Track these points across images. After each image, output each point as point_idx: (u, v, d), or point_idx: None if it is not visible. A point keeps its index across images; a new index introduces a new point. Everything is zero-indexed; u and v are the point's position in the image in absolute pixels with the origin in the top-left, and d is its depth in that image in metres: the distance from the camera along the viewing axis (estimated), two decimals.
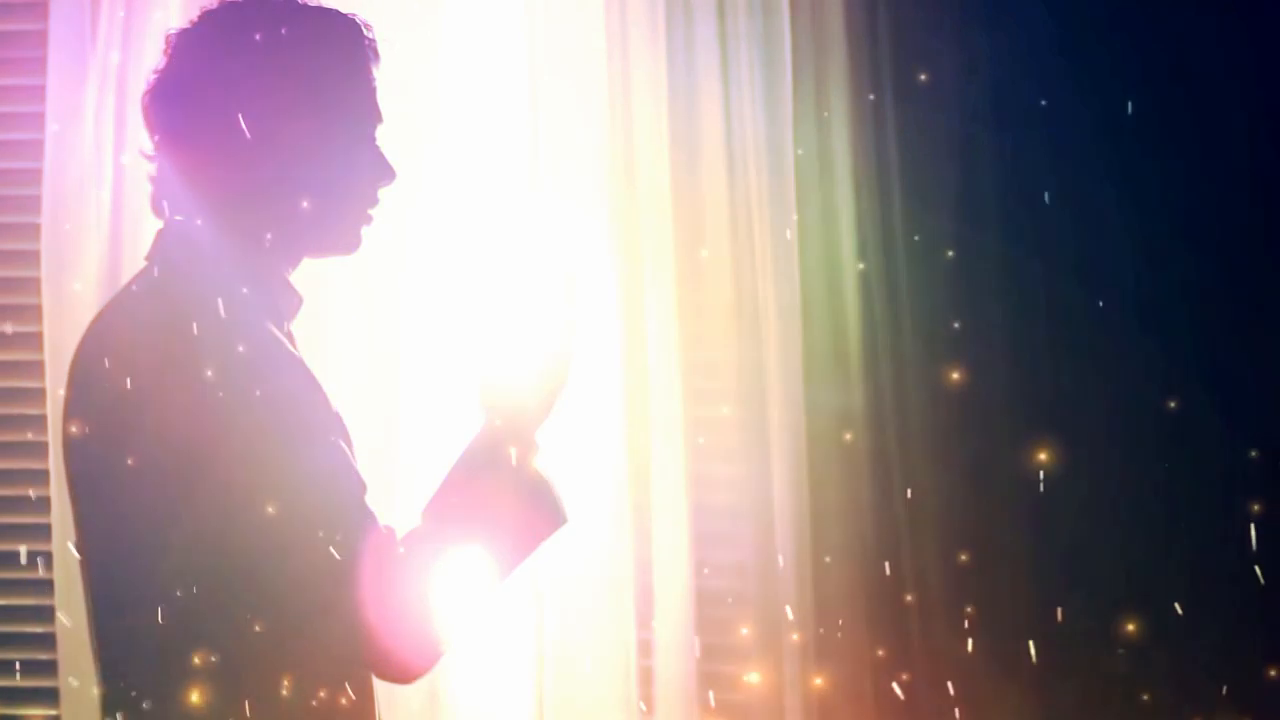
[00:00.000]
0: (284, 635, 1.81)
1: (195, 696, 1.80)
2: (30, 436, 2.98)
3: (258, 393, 1.79)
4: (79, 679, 2.85)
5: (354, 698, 1.91)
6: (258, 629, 1.80)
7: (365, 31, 2.01)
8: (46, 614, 2.93)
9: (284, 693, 1.82)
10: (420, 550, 1.86)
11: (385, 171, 2.02)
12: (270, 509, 1.78)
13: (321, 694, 1.85)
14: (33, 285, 2.94)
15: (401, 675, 1.93)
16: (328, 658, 1.85)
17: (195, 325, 1.80)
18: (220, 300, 1.85)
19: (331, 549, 1.81)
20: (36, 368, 2.96)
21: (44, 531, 2.95)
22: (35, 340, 2.95)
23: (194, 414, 1.77)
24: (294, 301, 2.02)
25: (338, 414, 1.92)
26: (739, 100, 2.82)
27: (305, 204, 1.95)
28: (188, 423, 1.77)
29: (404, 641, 1.86)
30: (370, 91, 2.02)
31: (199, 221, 1.93)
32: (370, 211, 2.02)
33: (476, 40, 2.83)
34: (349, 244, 2.03)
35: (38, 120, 2.90)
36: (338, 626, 1.82)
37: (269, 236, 1.95)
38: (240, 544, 1.78)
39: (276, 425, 1.80)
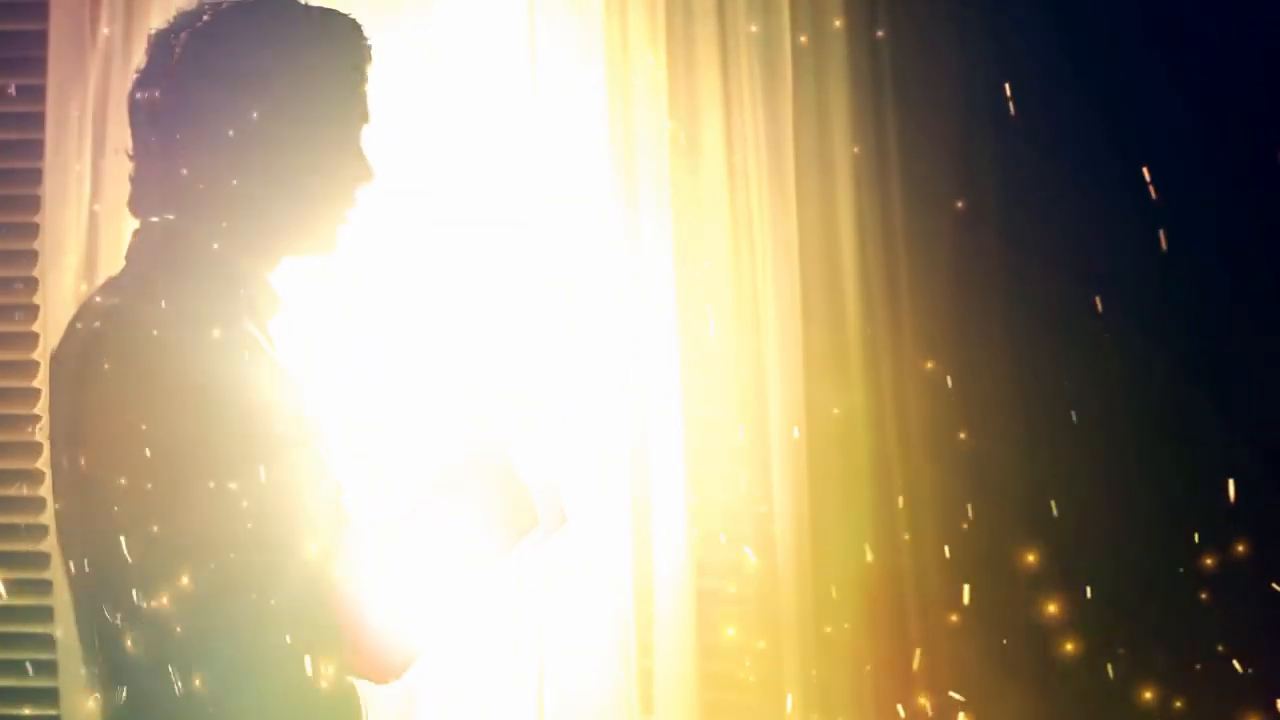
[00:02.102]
0: (266, 636, 1.81)
1: (183, 698, 1.79)
2: (30, 436, 2.98)
3: (240, 396, 1.79)
4: (78, 679, 2.84)
5: (339, 698, 1.91)
6: (240, 630, 1.80)
7: (361, 33, 2.01)
8: (46, 614, 2.93)
9: (268, 694, 1.82)
10: (391, 552, 1.86)
11: (366, 173, 2.02)
12: (248, 512, 1.78)
13: (305, 695, 1.85)
14: (34, 285, 2.94)
15: (378, 676, 1.93)
16: (310, 659, 1.85)
17: (186, 328, 1.80)
18: (209, 303, 1.85)
19: (308, 551, 1.81)
20: (36, 367, 2.96)
21: (44, 532, 2.95)
22: (36, 340, 2.95)
23: (184, 417, 1.77)
24: (274, 302, 2.02)
25: (315, 416, 1.92)
26: (738, 100, 2.82)
27: (294, 206, 1.95)
28: (177, 426, 1.77)
29: (377, 643, 1.86)
30: (363, 94, 2.02)
31: (187, 222, 1.93)
32: (348, 213, 2.03)
33: (476, 39, 2.83)
34: (326, 245, 2.03)
35: (38, 120, 2.90)
36: (318, 628, 1.83)
37: (254, 237, 1.95)
38: (221, 546, 1.78)
39: (256, 428, 1.80)
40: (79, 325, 1.90)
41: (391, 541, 1.88)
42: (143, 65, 1.97)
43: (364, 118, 2.02)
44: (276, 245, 2.00)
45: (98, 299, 1.93)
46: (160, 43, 1.96)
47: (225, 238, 1.93)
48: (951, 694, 2.76)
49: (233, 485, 1.78)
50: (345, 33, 2.00)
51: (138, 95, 1.96)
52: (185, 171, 1.92)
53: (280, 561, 1.80)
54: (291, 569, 1.81)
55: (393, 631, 1.87)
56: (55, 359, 1.92)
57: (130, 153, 1.98)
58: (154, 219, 1.95)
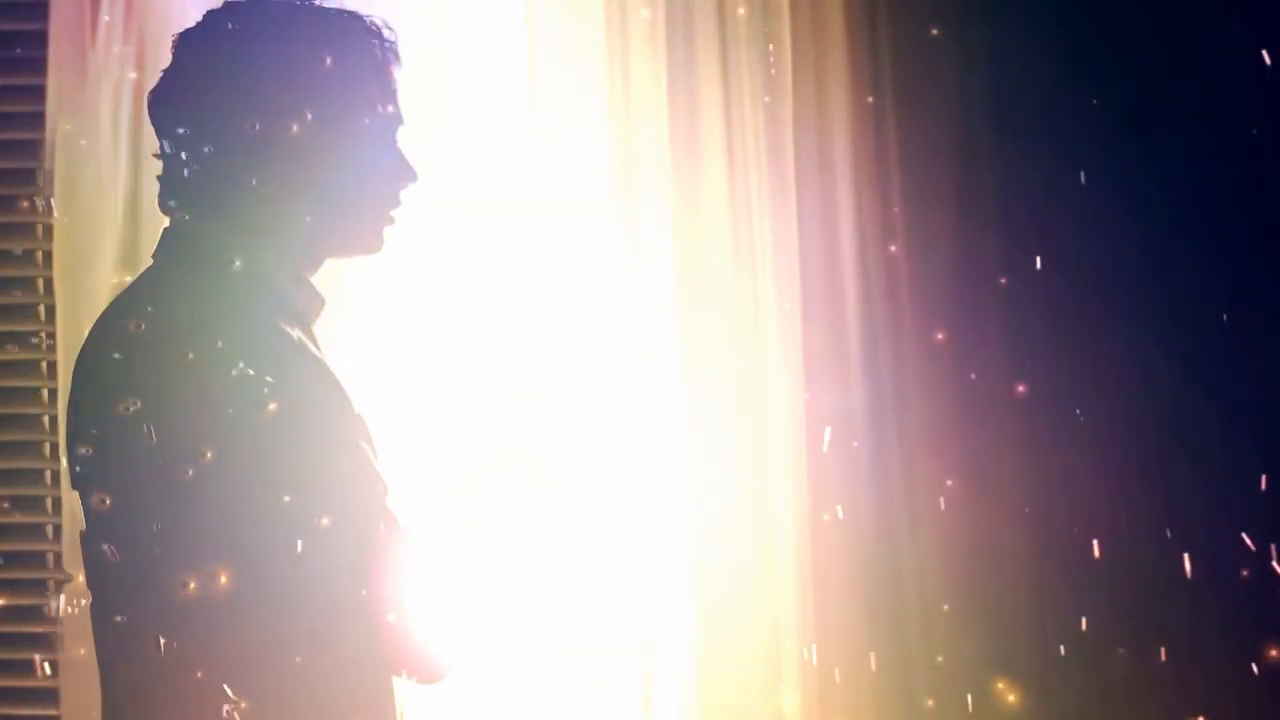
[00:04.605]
0: (303, 638, 1.81)
1: (212, 700, 1.80)
2: (30, 436, 2.98)
3: (272, 394, 1.79)
4: (78, 679, 2.85)
5: (375, 699, 1.91)
6: (278, 633, 1.80)
7: (386, 33, 2.01)
8: (47, 614, 2.94)
9: (304, 695, 1.82)
10: (434, 552, 1.87)
11: (406, 173, 2.02)
12: (290, 511, 1.78)
13: (343, 696, 1.85)
14: (33, 284, 2.96)
15: (427, 676, 1.91)
16: (347, 659, 1.85)
17: (208, 327, 1.80)
18: (235, 302, 1.85)
19: (352, 551, 1.81)
20: (38, 367, 2.97)
21: (44, 531, 2.96)
22: (36, 339, 2.96)
23: (202, 415, 1.77)
24: (316, 303, 2.01)
25: (360, 416, 1.91)
26: (739, 100, 2.82)
27: (324, 206, 1.95)
28: (195, 423, 1.77)
29: (424, 643, 1.86)
30: (391, 94, 2.01)
31: (206, 222, 1.93)
32: (392, 213, 2.03)
33: (477, 40, 2.83)
34: (370, 245, 2.03)
35: (38, 120, 2.90)
36: (358, 628, 1.82)
37: (288, 237, 1.95)
38: (256, 547, 1.78)
39: (291, 428, 1.79)
40: (108, 323, 1.90)
41: (433, 541, 1.88)
42: (167, 65, 1.97)
43: (397, 117, 2.02)
44: (318, 246, 1.99)
45: (128, 298, 1.92)
46: (181, 43, 1.96)
47: (247, 237, 1.92)
48: (951, 693, 2.76)
49: (268, 489, 1.78)
50: (364, 33, 1.99)
51: (159, 95, 1.96)
52: (203, 172, 1.92)
53: (321, 564, 1.80)
54: (334, 570, 1.80)
55: (440, 631, 1.87)
56: (84, 357, 1.91)
57: (156, 153, 1.98)
58: (181, 218, 1.96)
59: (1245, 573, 2.74)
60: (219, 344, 1.79)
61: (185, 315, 1.81)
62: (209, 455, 1.77)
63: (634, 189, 2.83)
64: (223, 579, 1.78)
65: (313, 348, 1.92)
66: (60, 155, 2.88)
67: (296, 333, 1.90)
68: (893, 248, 2.78)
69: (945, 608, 2.77)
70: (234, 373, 1.78)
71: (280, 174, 1.92)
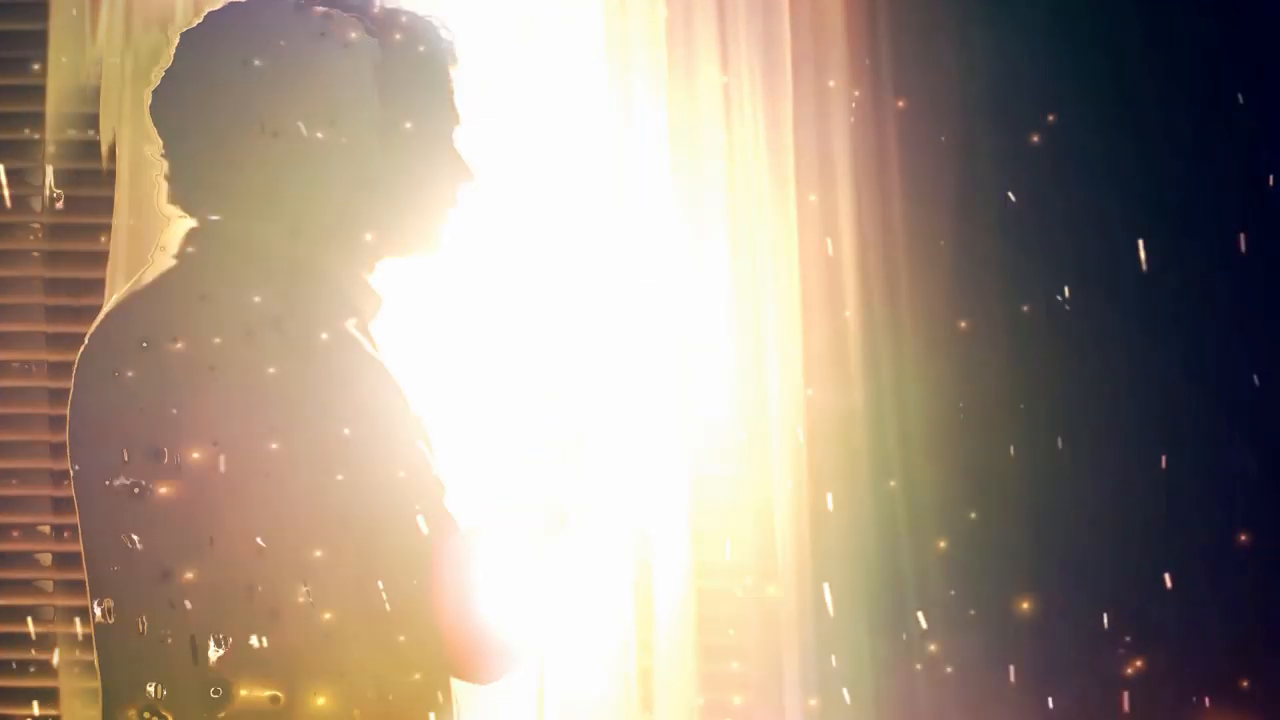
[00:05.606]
0: (358, 637, 1.82)
1: (266, 696, 1.80)
2: (29, 435, 2.99)
3: (333, 391, 1.79)
4: (78, 679, 2.85)
5: (431, 698, 1.91)
6: (333, 630, 1.80)
7: (443, 33, 2.00)
8: (47, 614, 2.94)
9: (356, 695, 1.82)
10: (492, 552, 1.87)
11: (463, 173, 2.02)
12: (344, 510, 1.78)
13: (396, 695, 1.85)
14: (27, 284, 2.97)
15: (483, 676, 1.92)
16: (403, 658, 1.85)
17: (245, 325, 1.80)
18: (291, 300, 1.85)
19: (409, 551, 1.81)
20: (35, 367, 2.97)
21: (44, 531, 2.96)
22: (37, 340, 2.97)
23: (237, 412, 1.78)
24: (373, 302, 2.00)
25: (418, 416, 1.91)
26: (739, 100, 2.82)
27: (375, 207, 1.94)
28: (229, 421, 1.78)
29: (486, 643, 1.86)
30: (448, 94, 2.01)
31: (236, 223, 1.92)
32: (450, 213, 2.03)
33: (474, 39, 2.83)
34: (429, 245, 2.03)
35: (38, 120, 2.91)
36: (415, 627, 1.82)
37: (340, 237, 1.94)
38: (311, 545, 1.79)
39: (340, 427, 1.79)
40: (126, 320, 1.89)
41: (491, 541, 1.89)
42: (169, 65, 1.95)
43: (454, 117, 2.02)
44: (373, 246, 1.99)
45: (140, 297, 1.91)
46: (183, 43, 1.95)
47: (288, 237, 1.92)
48: (951, 693, 2.76)
49: (320, 487, 1.78)
50: (426, 33, 1.98)
51: (161, 95, 1.95)
52: (208, 171, 1.92)
53: (377, 562, 1.81)
54: (391, 569, 1.81)
55: (498, 633, 1.87)
56: (94, 356, 1.90)
57: (162, 151, 1.97)
58: (192, 217, 1.95)
59: (1243, 575, 2.75)
60: (278, 339, 1.79)
61: (235, 313, 1.81)
62: (276, 449, 1.77)
63: (633, 189, 2.83)
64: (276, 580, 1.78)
65: (370, 347, 1.91)
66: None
67: (357, 333, 1.89)
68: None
69: (945, 608, 2.78)
70: (293, 369, 1.78)
71: (293, 172, 1.91)
